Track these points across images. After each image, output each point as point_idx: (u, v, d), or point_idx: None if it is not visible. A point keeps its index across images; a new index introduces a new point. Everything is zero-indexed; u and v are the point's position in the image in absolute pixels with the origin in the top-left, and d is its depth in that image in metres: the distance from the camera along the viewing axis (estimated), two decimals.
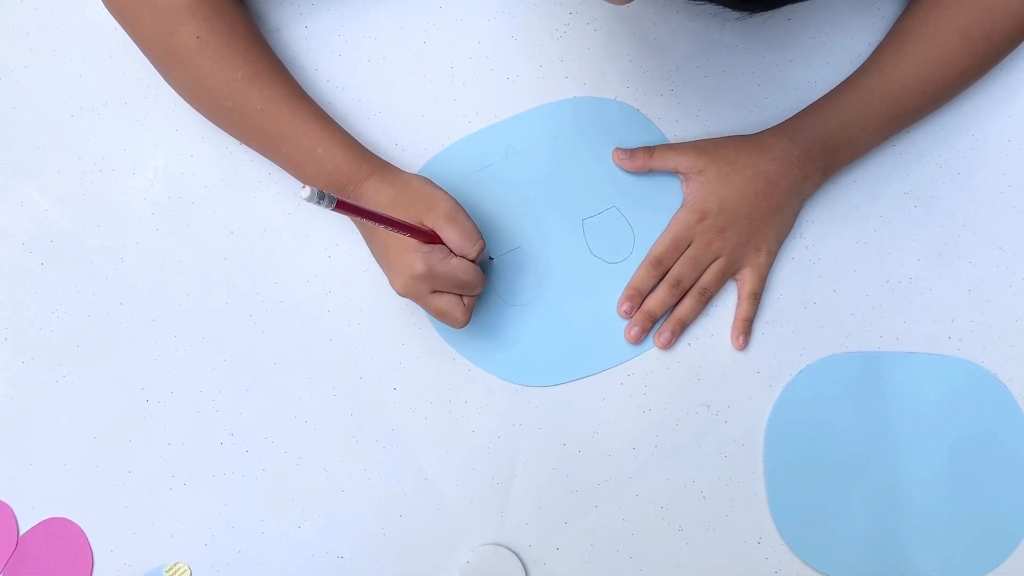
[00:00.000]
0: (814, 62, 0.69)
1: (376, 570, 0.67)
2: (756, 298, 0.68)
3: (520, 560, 0.67)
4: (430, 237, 0.60)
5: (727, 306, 0.69)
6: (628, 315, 0.68)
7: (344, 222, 0.68)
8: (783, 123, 0.67)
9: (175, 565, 0.68)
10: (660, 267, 0.67)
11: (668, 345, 0.68)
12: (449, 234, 0.60)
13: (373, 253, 0.65)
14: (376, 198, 0.62)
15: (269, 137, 0.63)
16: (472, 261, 0.61)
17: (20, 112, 0.69)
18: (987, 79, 0.69)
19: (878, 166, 0.69)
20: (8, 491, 0.68)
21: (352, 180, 0.63)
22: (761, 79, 0.69)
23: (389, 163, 0.65)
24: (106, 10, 0.63)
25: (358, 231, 0.67)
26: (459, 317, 0.62)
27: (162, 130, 0.69)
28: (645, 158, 0.67)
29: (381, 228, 0.58)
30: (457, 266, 0.60)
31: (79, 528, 0.68)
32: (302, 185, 0.50)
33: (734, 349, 0.68)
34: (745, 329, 0.68)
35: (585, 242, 0.68)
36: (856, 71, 0.67)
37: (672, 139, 0.69)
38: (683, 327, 0.68)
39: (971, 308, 0.69)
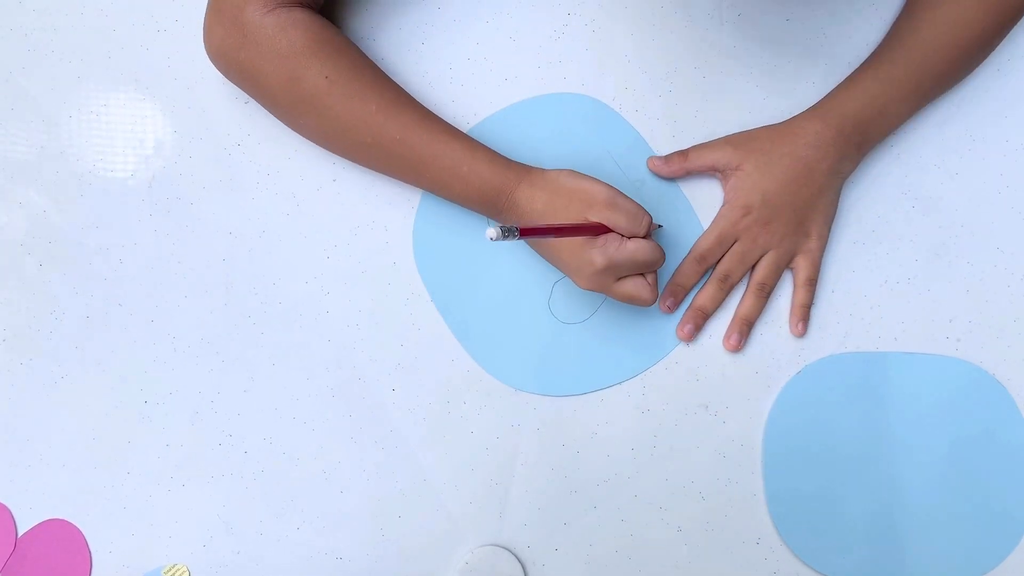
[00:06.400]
0: (813, 62, 0.69)
1: (375, 571, 0.67)
2: (812, 284, 0.68)
3: (519, 561, 0.67)
4: (601, 229, 0.60)
5: (726, 306, 0.69)
6: (671, 310, 0.68)
7: (342, 224, 0.68)
8: (812, 107, 0.67)
9: (174, 566, 0.67)
10: (704, 263, 0.67)
11: (739, 347, 0.68)
12: (616, 220, 0.60)
13: (544, 256, 0.65)
14: (531, 205, 0.62)
15: (412, 165, 0.63)
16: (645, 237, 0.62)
17: (20, 112, 0.69)
18: (986, 79, 0.70)
19: (876, 167, 0.69)
20: (6, 492, 0.68)
21: (502, 193, 0.63)
22: (760, 79, 0.69)
23: (532, 167, 0.64)
24: (224, 77, 0.64)
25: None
26: (647, 297, 0.62)
27: (160, 131, 0.69)
28: (680, 161, 0.67)
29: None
30: (634, 249, 0.60)
31: (77, 529, 0.68)
32: (488, 229, 0.52)
33: (732, 350, 0.68)
34: (804, 316, 0.68)
35: None
36: (878, 46, 0.67)
37: (670, 139, 0.69)
38: (750, 327, 0.68)
39: (969, 308, 0.69)
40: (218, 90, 0.68)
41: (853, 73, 0.67)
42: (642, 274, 0.62)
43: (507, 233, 0.52)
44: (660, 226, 0.68)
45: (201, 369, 0.68)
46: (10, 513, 0.68)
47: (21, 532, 0.67)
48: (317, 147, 0.68)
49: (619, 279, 0.62)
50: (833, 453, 0.68)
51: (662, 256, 0.62)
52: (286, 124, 0.66)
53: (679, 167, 0.67)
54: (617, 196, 0.61)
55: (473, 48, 0.69)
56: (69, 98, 0.69)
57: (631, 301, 0.62)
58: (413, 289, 0.68)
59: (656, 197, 0.68)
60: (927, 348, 0.69)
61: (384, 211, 0.69)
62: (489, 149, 0.64)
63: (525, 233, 0.54)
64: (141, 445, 0.68)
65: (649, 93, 0.69)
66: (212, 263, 0.69)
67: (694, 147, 0.68)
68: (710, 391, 0.69)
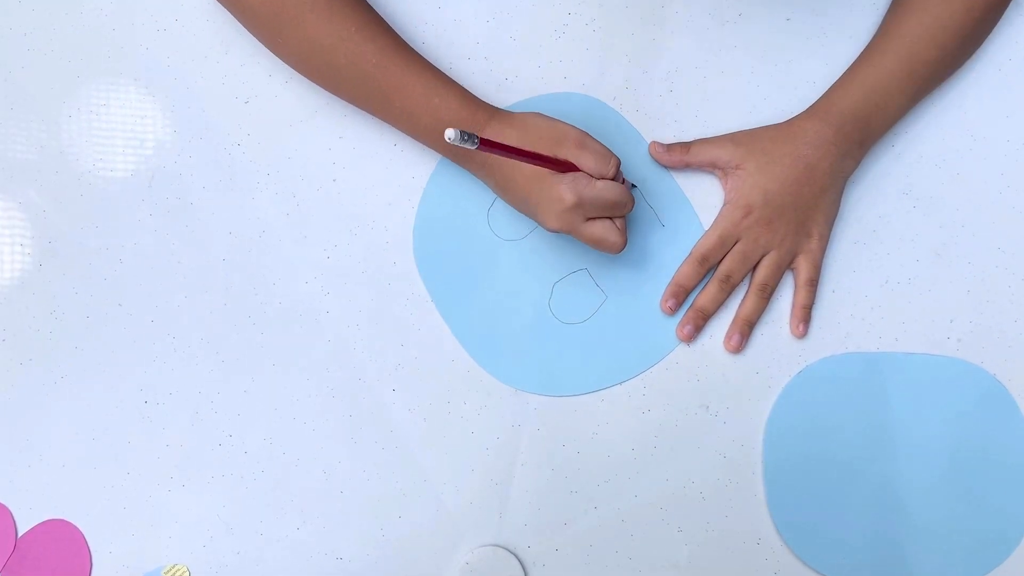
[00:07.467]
0: (813, 63, 0.69)
1: (375, 571, 0.67)
2: (813, 285, 0.68)
3: (519, 561, 0.67)
4: (567, 167, 0.61)
5: (727, 306, 0.69)
6: (672, 311, 0.68)
7: (342, 223, 0.68)
8: (811, 107, 0.67)
9: (174, 567, 0.67)
10: (705, 264, 0.67)
11: (740, 348, 0.68)
12: (585, 160, 0.60)
13: (511, 201, 0.65)
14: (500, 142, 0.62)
15: (384, 91, 0.63)
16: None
17: (19, 112, 0.69)
18: (987, 79, 0.69)
19: (877, 166, 0.69)
20: (6, 492, 0.68)
21: (471, 127, 0.63)
22: (760, 80, 0.69)
23: (502, 109, 0.65)
24: None
25: (487, 186, 0.67)
26: (616, 240, 0.62)
27: (161, 131, 0.69)
28: (682, 153, 0.67)
29: (517, 172, 0.60)
30: (603, 187, 0.60)
31: (77, 530, 0.68)
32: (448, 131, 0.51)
33: (733, 351, 0.68)
34: (804, 317, 0.68)
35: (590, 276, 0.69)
36: (870, 41, 0.67)
37: (671, 140, 0.68)
38: (751, 327, 0.68)
39: (970, 309, 0.69)
40: (218, 90, 0.68)
41: (849, 69, 0.67)
42: (611, 219, 0.62)
43: (466, 138, 0.51)
44: (635, 185, 0.68)
45: (201, 369, 0.68)
46: (10, 513, 0.68)
47: (21, 532, 0.67)
48: (317, 147, 0.68)
49: (588, 220, 0.61)
50: (834, 453, 0.68)
51: (631, 200, 0.62)
52: (263, 42, 0.66)
53: (679, 159, 0.67)
54: (587, 137, 0.61)
55: (473, 48, 0.69)
56: (69, 98, 0.69)
57: (599, 245, 0.62)
58: (413, 289, 0.68)
59: (656, 197, 0.68)
60: (928, 349, 0.69)
61: (384, 211, 0.69)
62: (460, 85, 0.64)
63: (484, 145, 0.53)
64: (141, 445, 0.68)
65: (649, 93, 0.69)
66: (212, 263, 0.69)
67: (697, 141, 0.68)
68: (711, 391, 0.68)
